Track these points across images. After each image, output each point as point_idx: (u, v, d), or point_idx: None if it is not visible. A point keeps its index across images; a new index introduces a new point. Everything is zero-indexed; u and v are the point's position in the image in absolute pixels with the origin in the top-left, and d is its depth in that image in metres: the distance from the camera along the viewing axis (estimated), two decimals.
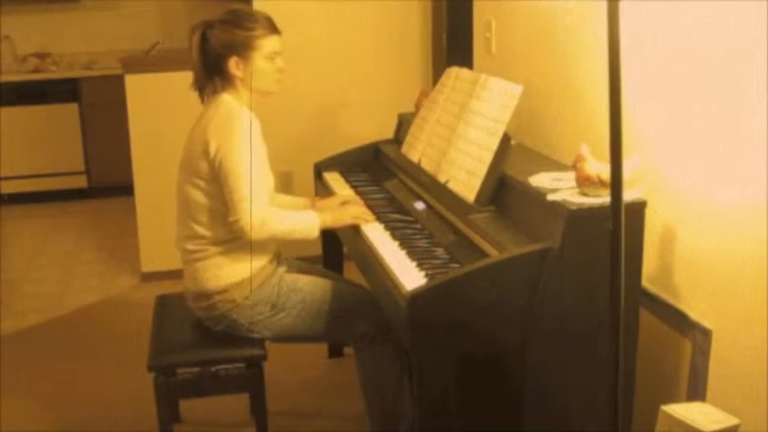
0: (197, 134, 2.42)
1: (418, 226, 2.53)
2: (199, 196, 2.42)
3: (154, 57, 5.50)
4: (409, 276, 2.12)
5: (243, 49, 2.40)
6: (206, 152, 2.36)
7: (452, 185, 2.50)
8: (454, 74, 2.81)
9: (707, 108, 1.93)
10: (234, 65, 2.42)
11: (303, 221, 2.48)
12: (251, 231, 2.34)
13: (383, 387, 2.54)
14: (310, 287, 2.52)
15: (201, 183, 2.40)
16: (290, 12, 4.23)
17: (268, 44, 2.43)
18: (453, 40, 4.10)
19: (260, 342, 2.48)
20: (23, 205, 5.98)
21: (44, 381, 3.31)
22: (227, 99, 2.44)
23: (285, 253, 2.68)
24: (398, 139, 3.26)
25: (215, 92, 2.48)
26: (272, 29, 2.45)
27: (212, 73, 2.46)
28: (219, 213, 2.40)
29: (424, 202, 2.68)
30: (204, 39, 2.43)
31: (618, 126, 1.53)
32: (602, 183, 1.97)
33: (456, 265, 2.17)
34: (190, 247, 2.46)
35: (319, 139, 4.23)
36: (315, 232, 2.49)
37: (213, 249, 2.43)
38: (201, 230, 2.43)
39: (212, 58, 2.43)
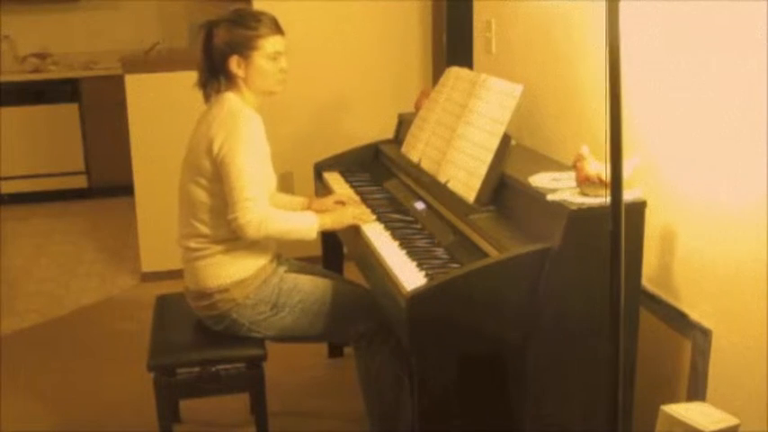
0: (201, 132, 2.43)
1: (418, 226, 2.53)
2: (202, 194, 2.42)
3: (154, 57, 5.51)
4: (409, 276, 2.12)
5: (244, 48, 2.42)
6: (209, 150, 2.37)
7: (452, 185, 2.49)
8: (454, 74, 2.81)
9: (707, 108, 1.93)
10: (235, 64, 2.42)
11: (302, 222, 2.48)
12: (249, 229, 2.34)
13: (383, 387, 2.54)
14: (310, 287, 2.52)
15: (205, 181, 2.41)
16: (290, 12, 4.22)
17: (270, 44, 2.44)
18: (453, 40, 4.10)
19: (260, 342, 2.48)
20: (23, 205, 5.98)
21: (44, 381, 3.31)
22: (230, 97, 2.45)
23: (285, 253, 2.68)
24: (398, 139, 3.26)
25: (218, 91, 2.49)
26: (276, 29, 2.46)
27: (216, 72, 2.48)
28: (222, 212, 2.40)
29: (424, 202, 2.68)
30: (209, 37, 2.45)
31: (618, 126, 1.53)
32: (602, 183, 1.97)
33: (456, 265, 2.17)
34: (192, 245, 2.46)
35: (319, 139, 4.23)
36: (313, 234, 2.49)
37: (215, 248, 2.43)
38: (204, 229, 2.43)
39: (215, 57, 2.45)
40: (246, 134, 2.36)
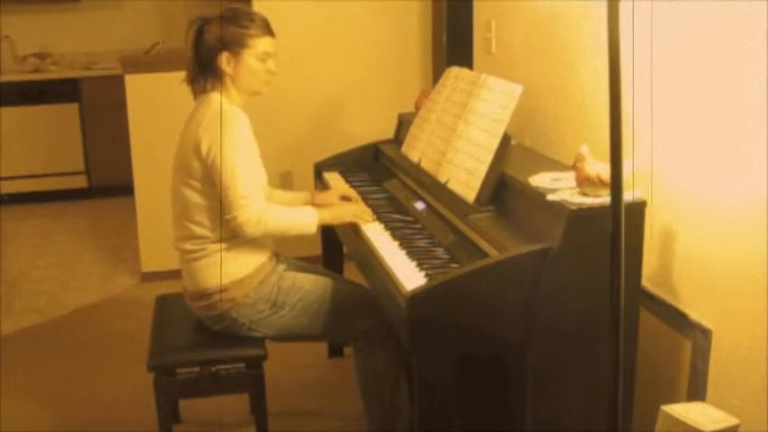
0: (188, 134, 2.43)
1: (418, 226, 2.53)
2: (194, 196, 2.42)
3: (154, 57, 5.51)
4: (409, 276, 2.12)
5: (235, 45, 2.42)
6: (198, 151, 2.36)
7: (452, 185, 2.49)
8: (454, 74, 2.81)
9: (707, 108, 1.93)
10: (225, 60, 2.43)
11: (301, 217, 2.48)
12: (248, 228, 2.34)
13: (382, 387, 2.53)
14: (310, 285, 2.52)
15: (196, 183, 2.41)
16: (290, 11, 4.23)
17: (261, 44, 2.44)
18: (453, 40, 4.10)
19: (260, 342, 2.48)
20: (23, 205, 5.98)
21: (44, 381, 3.31)
22: (216, 98, 2.44)
23: (284, 252, 2.67)
24: (398, 139, 3.26)
25: (204, 90, 2.49)
26: (267, 30, 2.47)
27: (204, 68, 2.47)
28: (216, 212, 2.40)
29: (424, 202, 2.68)
30: (200, 34, 2.45)
31: (618, 126, 1.53)
32: (602, 183, 1.97)
33: (456, 265, 2.17)
34: (188, 246, 2.46)
35: (319, 139, 4.23)
36: (312, 228, 2.49)
37: (212, 248, 2.43)
38: (199, 230, 2.43)
39: (205, 53, 2.45)
40: (234, 133, 2.36)
